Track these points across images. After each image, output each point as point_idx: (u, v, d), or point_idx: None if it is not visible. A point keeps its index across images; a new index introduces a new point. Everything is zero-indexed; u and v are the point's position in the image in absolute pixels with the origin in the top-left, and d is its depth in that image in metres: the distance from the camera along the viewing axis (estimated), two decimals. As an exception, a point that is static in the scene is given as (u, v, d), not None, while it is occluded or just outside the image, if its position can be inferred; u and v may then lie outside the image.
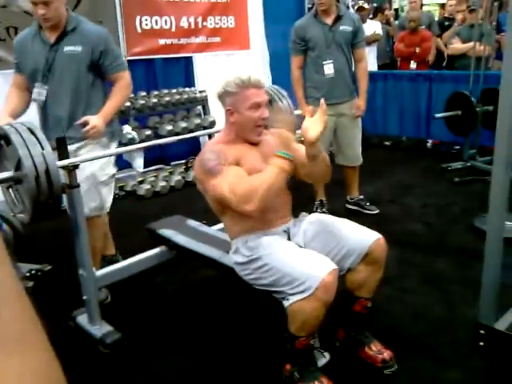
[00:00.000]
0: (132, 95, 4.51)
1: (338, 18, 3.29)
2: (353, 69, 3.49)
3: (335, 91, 3.34)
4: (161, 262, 2.43)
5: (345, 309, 1.91)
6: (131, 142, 4.09)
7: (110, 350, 2.08)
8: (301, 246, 1.82)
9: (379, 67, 6.27)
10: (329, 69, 3.30)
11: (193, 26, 5.03)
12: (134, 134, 4.23)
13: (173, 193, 4.32)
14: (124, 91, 2.47)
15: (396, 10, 11.28)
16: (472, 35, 4.83)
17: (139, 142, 4.04)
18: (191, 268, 2.68)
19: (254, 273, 1.75)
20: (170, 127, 4.48)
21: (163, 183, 4.34)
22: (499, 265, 1.88)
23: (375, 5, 8.31)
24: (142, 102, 4.45)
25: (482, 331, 1.93)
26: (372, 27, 6.19)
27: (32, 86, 2.40)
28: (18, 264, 2.67)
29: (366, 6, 6.43)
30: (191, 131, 4.35)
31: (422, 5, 7.57)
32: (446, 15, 6.95)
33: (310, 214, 2.01)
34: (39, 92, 2.37)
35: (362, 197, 3.71)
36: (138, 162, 4.48)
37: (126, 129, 4.28)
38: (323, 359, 1.82)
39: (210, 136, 4.89)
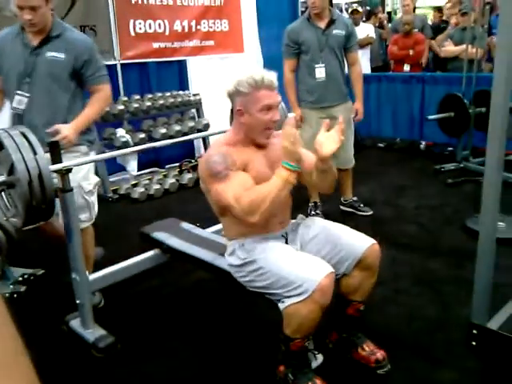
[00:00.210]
0: (126, 98, 4.52)
1: (331, 22, 3.31)
2: (346, 72, 3.51)
3: (328, 95, 3.35)
4: (154, 265, 2.41)
5: (338, 311, 1.90)
6: (125, 145, 4.09)
7: (103, 354, 2.07)
8: (297, 249, 1.82)
9: (372, 70, 6.32)
10: (320, 73, 3.31)
11: (186, 30, 5.05)
12: (128, 137, 4.24)
13: (167, 196, 4.31)
14: (102, 103, 2.39)
15: (389, 13, 11.37)
16: (464, 38, 4.88)
17: (133, 146, 4.05)
18: (185, 271, 2.68)
19: (249, 275, 1.75)
20: (163, 130, 4.49)
21: (157, 186, 4.33)
22: (492, 265, 1.89)
23: (368, 8, 8.37)
24: (136, 105, 4.45)
25: (474, 331, 1.94)
26: (365, 30, 6.23)
27: (6, 89, 2.32)
28: (10, 268, 2.66)
29: (359, 9, 6.48)
30: (185, 134, 4.35)
31: (414, 8, 7.63)
32: (443, 18, 7.02)
33: (305, 215, 2.01)
34: (20, 100, 2.27)
35: (355, 198, 3.72)
36: (132, 165, 4.49)
37: (120, 132, 4.28)
38: (317, 361, 1.83)
39: (204, 139, 4.94)
